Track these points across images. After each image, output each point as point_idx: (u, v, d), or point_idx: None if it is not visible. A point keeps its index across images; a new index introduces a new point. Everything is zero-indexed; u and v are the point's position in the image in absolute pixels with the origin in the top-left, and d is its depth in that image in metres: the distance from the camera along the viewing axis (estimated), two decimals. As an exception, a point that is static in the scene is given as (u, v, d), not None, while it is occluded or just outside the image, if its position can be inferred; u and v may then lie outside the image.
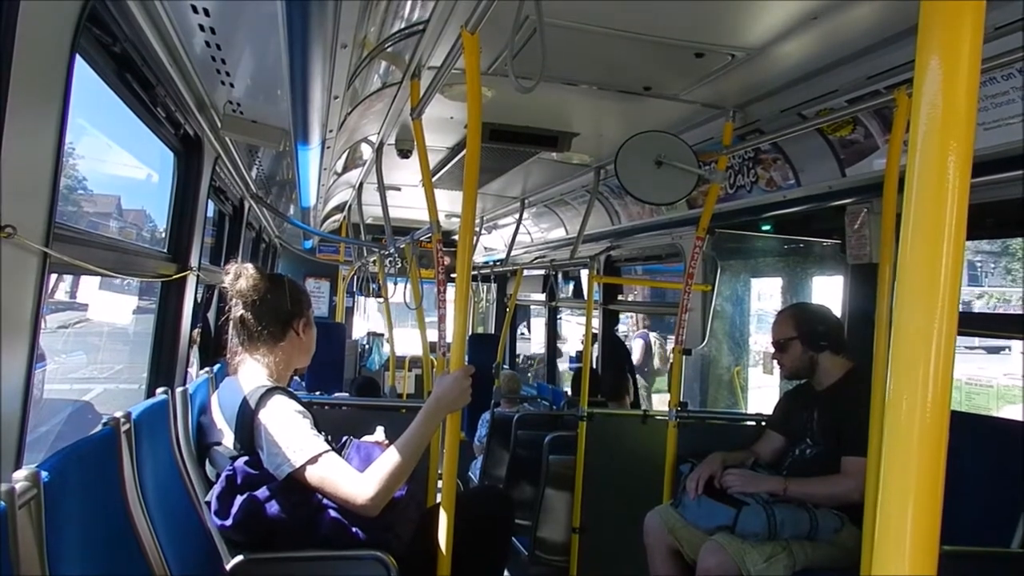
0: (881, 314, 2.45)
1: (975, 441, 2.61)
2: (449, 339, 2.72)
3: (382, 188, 4.45)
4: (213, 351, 3.55)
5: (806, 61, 2.67)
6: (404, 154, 4.24)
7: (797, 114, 3.01)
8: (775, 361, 3.26)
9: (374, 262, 7.25)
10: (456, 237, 2.95)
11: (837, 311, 3.63)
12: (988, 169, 2.41)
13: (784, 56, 2.62)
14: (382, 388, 7.43)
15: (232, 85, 2.40)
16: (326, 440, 2.20)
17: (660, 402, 7.77)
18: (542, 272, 7.94)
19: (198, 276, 2.82)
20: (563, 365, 8.47)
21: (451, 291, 2.79)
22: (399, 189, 5.91)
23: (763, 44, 2.54)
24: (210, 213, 3.49)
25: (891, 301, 2.42)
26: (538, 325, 10.24)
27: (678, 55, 2.69)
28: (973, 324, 3.32)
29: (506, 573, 3.43)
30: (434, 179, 4.48)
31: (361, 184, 5.44)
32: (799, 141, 3.21)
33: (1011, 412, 8.64)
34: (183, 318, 2.70)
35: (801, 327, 3.10)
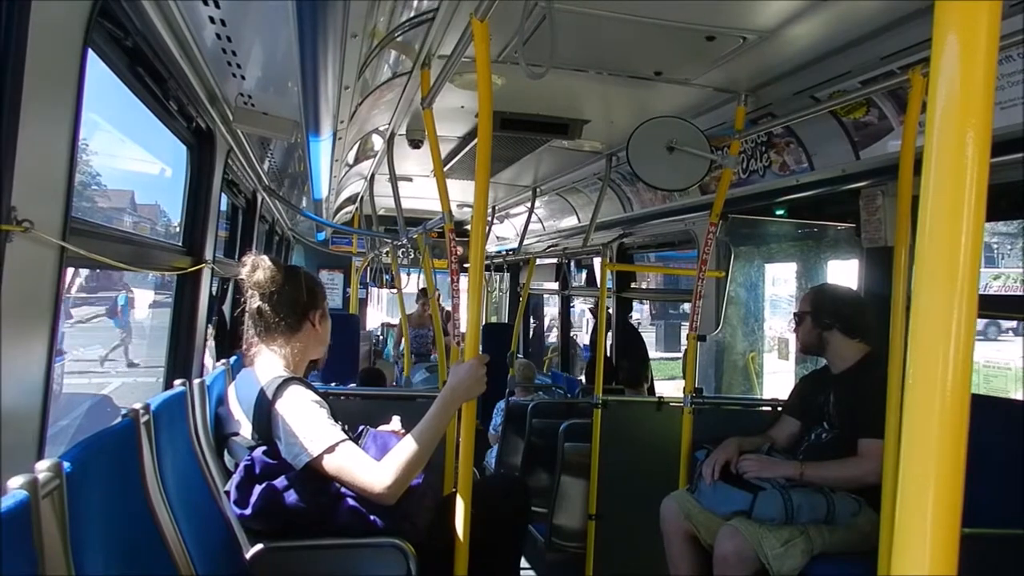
0: (897, 297, 2.43)
1: (994, 424, 2.59)
2: (463, 328, 2.72)
3: (394, 179, 4.45)
4: (229, 343, 3.58)
5: (818, 43, 2.64)
6: (415, 144, 4.24)
7: (810, 97, 2.98)
8: (794, 332, 3.31)
9: (387, 253, 7.26)
10: (468, 227, 2.95)
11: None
12: (1005, 149, 2.38)
13: (796, 38, 2.60)
14: (396, 378, 7.46)
15: (243, 77, 2.40)
16: (343, 429, 2.21)
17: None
18: (555, 261, 7.93)
19: (213, 269, 2.83)
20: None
21: (464, 281, 2.79)
22: (411, 179, 5.91)
23: (775, 26, 2.52)
24: (223, 207, 3.50)
25: (907, 284, 2.41)
26: (549, 313, 10.26)
27: (689, 39, 2.67)
28: (992, 306, 3.29)
29: (523, 560, 3.44)
30: (445, 169, 4.49)
31: (373, 175, 5.44)
32: (812, 124, 3.18)
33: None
34: (199, 311, 2.72)
35: (815, 304, 3.14)
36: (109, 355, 12.16)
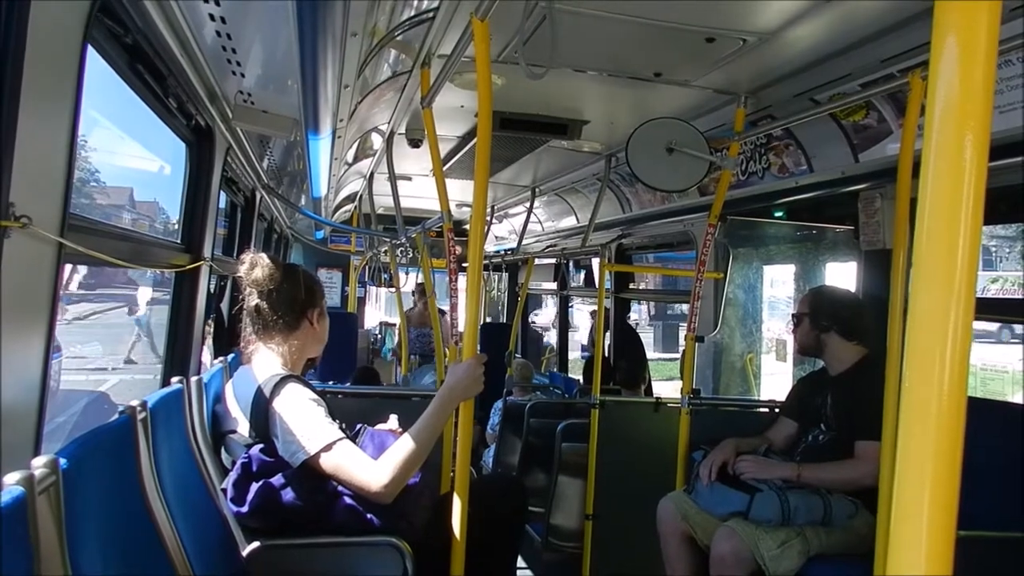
0: (895, 300, 2.43)
1: (990, 427, 2.60)
2: (461, 328, 2.72)
3: (393, 178, 4.45)
4: (227, 341, 3.57)
5: (818, 45, 2.64)
6: (415, 143, 4.24)
7: (809, 99, 2.98)
8: (792, 334, 3.33)
9: (385, 252, 7.25)
10: (467, 226, 2.95)
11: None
12: (1003, 153, 2.38)
13: (796, 40, 2.60)
14: (394, 376, 7.45)
15: (243, 75, 2.40)
16: (340, 428, 2.21)
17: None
18: (553, 261, 7.93)
19: (211, 266, 2.83)
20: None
21: (463, 280, 2.79)
22: (410, 179, 5.90)
23: (775, 28, 2.52)
24: (222, 204, 3.50)
25: (905, 287, 2.41)
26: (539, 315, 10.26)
27: (689, 40, 2.67)
28: (989, 309, 3.29)
29: (519, 559, 3.44)
30: (445, 168, 4.48)
31: (372, 174, 5.44)
32: (811, 126, 3.18)
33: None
34: (197, 308, 2.72)
35: (813, 306, 3.15)
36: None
